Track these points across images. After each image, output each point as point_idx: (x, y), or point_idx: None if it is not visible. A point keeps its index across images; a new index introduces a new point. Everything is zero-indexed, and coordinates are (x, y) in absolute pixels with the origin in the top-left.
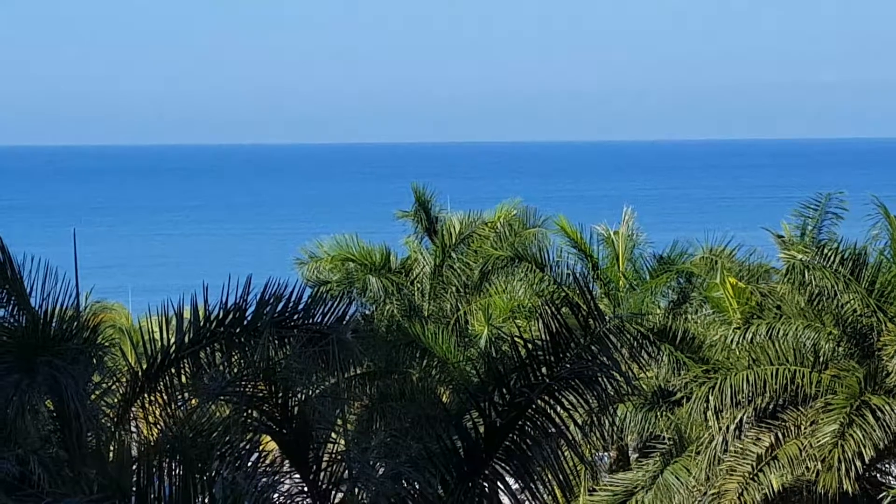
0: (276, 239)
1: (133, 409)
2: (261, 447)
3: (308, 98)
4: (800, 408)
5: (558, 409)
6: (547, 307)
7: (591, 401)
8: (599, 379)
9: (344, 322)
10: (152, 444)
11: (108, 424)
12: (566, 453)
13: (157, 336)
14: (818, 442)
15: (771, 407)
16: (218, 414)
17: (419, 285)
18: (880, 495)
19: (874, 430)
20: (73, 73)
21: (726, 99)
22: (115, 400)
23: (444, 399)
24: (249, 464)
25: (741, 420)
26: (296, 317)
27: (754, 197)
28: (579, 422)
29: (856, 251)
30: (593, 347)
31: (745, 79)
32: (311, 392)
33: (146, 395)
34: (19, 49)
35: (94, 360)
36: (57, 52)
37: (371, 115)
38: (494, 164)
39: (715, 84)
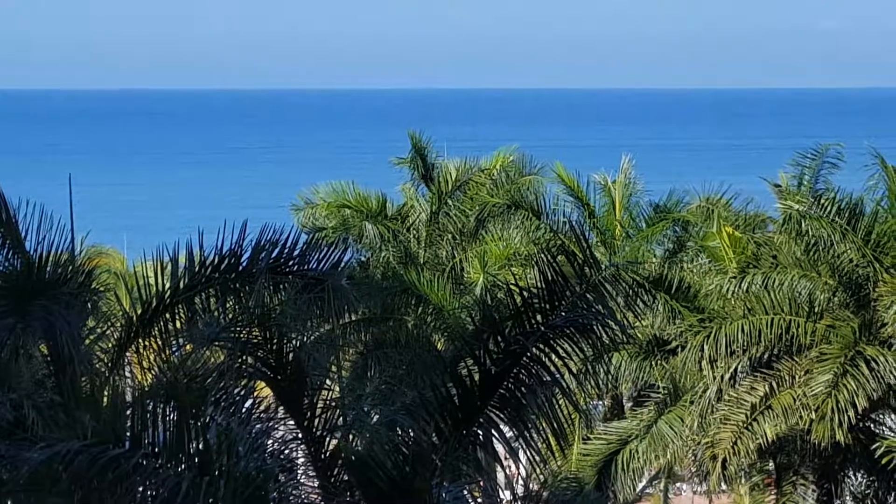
0: (269, 185)
1: (127, 354)
2: (255, 393)
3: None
4: (794, 357)
5: (553, 357)
6: (543, 255)
7: (585, 349)
8: (594, 327)
9: (339, 268)
10: (147, 389)
11: (103, 369)
12: (561, 401)
13: (151, 281)
14: (812, 391)
15: (766, 356)
16: (212, 360)
17: (415, 232)
18: (874, 445)
19: (868, 381)
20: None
21: (725, 46)
22: (110, 345)
23: (439, 346)
24: (244, 410)
25: (736, 369)
26: (291, 263)
27: (752, 147)
28: (574, 370)
29: (852, 201)
30: (589, 296)
31: (745, 26)
32: (306, 338)
33: (141, 341)
34: None
35: (89, 305)
36: None
37: (365, 61)
38: (491, 111)
39: (713, 31)
